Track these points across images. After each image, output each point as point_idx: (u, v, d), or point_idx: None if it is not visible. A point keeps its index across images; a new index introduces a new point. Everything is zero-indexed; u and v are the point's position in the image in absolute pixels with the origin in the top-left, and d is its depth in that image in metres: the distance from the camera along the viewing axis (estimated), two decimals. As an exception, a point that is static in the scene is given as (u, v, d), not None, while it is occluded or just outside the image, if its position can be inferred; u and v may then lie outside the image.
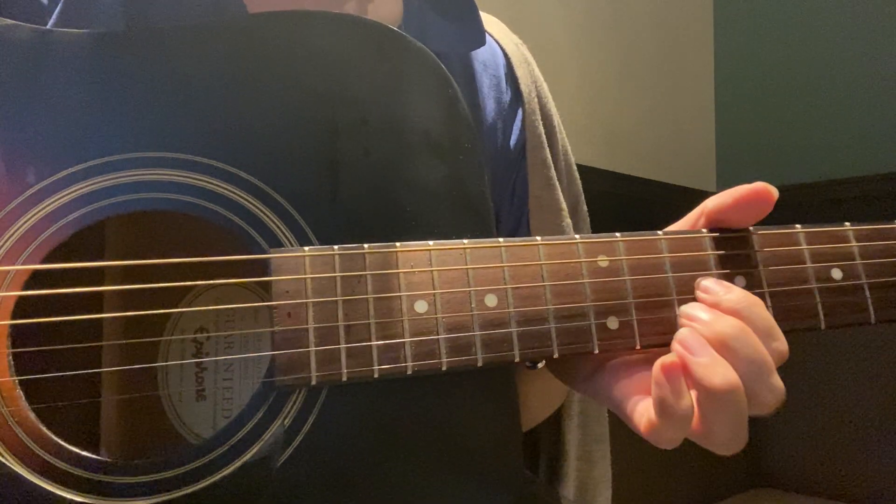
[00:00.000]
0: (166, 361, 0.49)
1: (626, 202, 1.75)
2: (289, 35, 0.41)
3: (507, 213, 0.63)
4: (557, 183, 0.65)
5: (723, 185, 2.13)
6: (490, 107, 0.63)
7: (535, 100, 0.66)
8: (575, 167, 0.71)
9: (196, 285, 0.48)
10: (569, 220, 0.65)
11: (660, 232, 0.42)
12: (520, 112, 0.64)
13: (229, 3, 0.53)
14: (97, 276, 0.45)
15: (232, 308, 0.49)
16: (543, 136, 0.65)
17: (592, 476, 0.68)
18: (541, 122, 0.65)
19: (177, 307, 0.49)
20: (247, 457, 0.36)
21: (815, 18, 2.01)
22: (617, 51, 1.85)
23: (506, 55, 0.66)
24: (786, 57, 2.07)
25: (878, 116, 1.88)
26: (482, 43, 0.62)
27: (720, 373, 0.35)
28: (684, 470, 1.81)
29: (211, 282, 0.47)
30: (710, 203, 0.42)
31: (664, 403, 0.36)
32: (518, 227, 0.64)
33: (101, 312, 0.46)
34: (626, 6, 1.89)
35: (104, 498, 0.35)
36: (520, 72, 0.66)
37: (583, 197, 0.71)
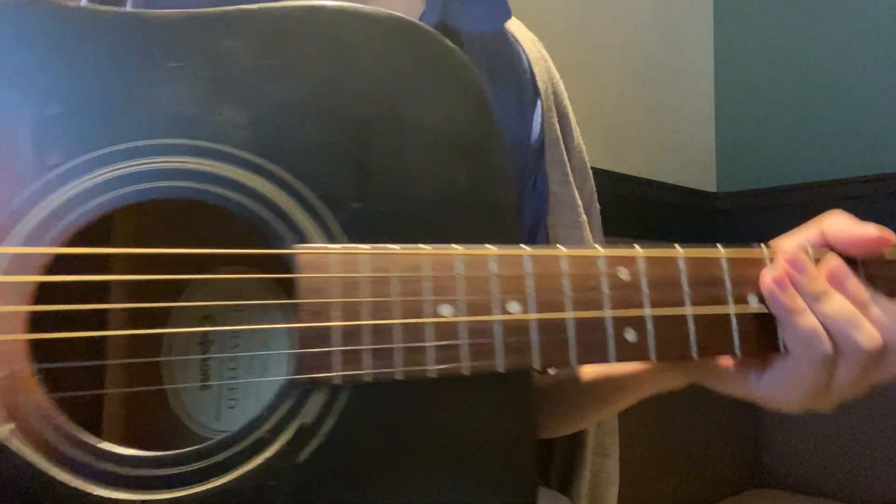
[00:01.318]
0: (171, 349, 0.49)
1: (626, 202, 1.76)
2: (327, 29, 0.40)
3: (528, 207, 0.64)
4: (573, 178, 0.66)
5: (723, 185, 2.13)
6: (510, 102, 0.63)
7: (552, 97, 0.67)
8: (588, 164, 0.71)
9: (214, 279, 0.48)
10: (584, 217, 0.66)
11: (678, 247, 0.43)
12: (538, 107, 0.65)
13: None
14: (103, 265, 0.44)
15: (251, 304, 0.48)
16: (559, 133, 0.66)
17: (605, 469, 0.69)
18: (556, 120, 0.66)
19: (184, 292, 0.49)
20: (268, 453, 0.36)
21: (816, 18, 2.00)
22: (617, 51, 1.85)
23: (524, 52, 0.67)
24: (786, 57, 2.07)
25: (878, 116, 1.88)
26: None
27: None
28: (684, 470, 1.82)
29: (230, 276, 0.47)
30: (831, 227, 0.45)
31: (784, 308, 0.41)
32: (539, 222, 0.64)
33: (106, 301, 0.45)
34: (626, 6, 1.88)
35: (125, 490, 0.35)
36: (537, 68, 0.66)
37: (596, 195, 0.72)
